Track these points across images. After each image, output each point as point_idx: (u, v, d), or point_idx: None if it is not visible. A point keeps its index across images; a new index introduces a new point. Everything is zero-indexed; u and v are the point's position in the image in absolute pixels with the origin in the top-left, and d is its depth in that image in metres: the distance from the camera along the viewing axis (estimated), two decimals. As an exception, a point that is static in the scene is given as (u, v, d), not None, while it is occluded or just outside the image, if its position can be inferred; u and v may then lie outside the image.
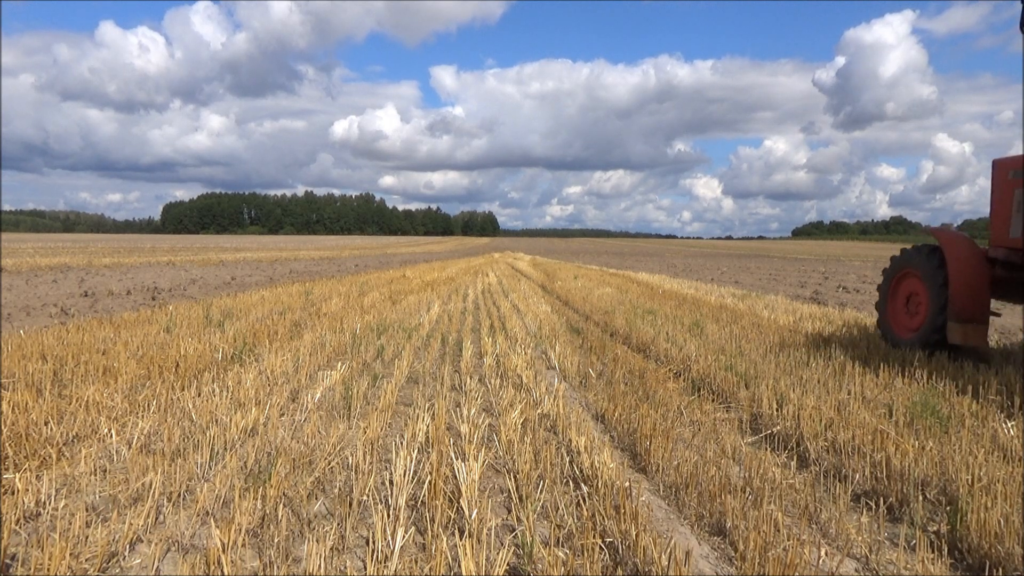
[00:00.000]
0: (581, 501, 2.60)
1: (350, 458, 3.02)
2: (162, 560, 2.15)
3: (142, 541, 2.26)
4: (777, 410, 3.80)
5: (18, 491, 2.47)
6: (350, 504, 2.51)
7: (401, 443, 3.17)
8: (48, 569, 1.98)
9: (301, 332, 6.57)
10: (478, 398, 4.18)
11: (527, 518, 2.32)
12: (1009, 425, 3.44)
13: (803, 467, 3.18)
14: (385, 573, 2.07)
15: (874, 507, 2.66)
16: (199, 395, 3.92)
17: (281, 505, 2.48)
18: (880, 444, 3.11)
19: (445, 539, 2.24)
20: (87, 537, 2.20)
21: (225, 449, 3.11)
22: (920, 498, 2.65)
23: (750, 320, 8.06)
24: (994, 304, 5.63)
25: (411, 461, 2.79)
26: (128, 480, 2.68)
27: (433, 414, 3.72)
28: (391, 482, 2.69)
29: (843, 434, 3.28)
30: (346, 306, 8.90)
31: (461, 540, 2.24)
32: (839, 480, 2.94)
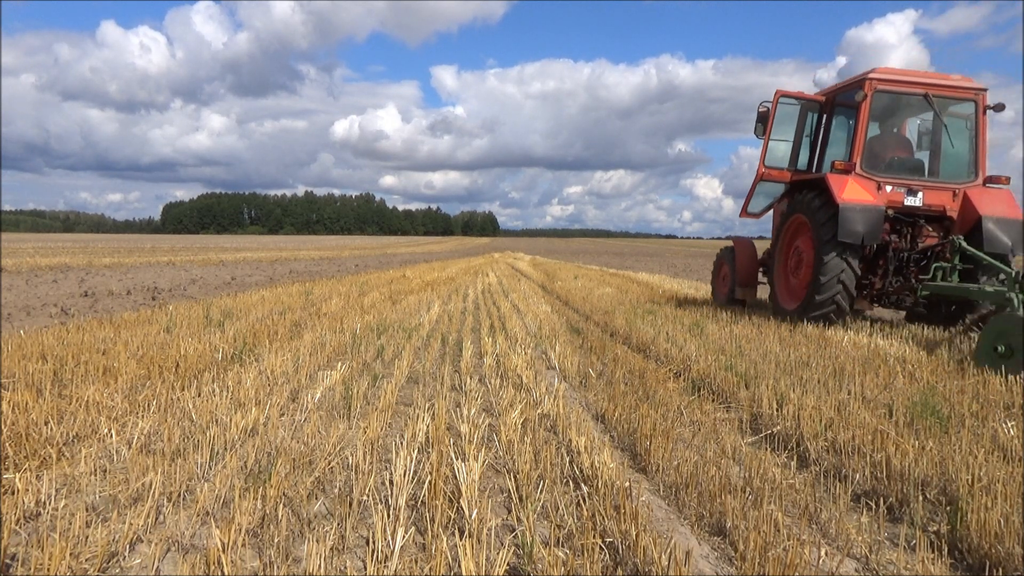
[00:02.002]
0: (581, 501, 2.60)
1: (350, 458, 3.02)
2: (162, 560, 2.15)
3: (142, 541, 2.26)
4: (777, 410, 3.80)
5: (18, 491, 2.47)
6: (350, 504, 2.51)
7: (401, 443, 3.17)
8: (48, 569, 1.98)
9: (301, 332, 6.57)
10: (478, 398, 4.18)
11: (527, 518, 2.32)
12: (1009, 425, 3.44)
13: (803, 467, 3.18)
14: (385, 573, 2.07)
15: (874, 507, 2.66)
16: (199, 395, 3.92)
17: (281, 505, 2.48)
18: (880, 444, 3.11)
19: (445, 539, 2.24)
20: (87, 537, 2.20)
21: (225, 449, 3.11)
22: (920, 498, 2.65)
23: (750, 320, 8.06)
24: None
25: (411, 461, 2.79)
26: (128, 480, 2.68)
27: (433, 414, 3.72)
28: (391, 482, 2.69)
29: (843, 434, 3.28)
30: (346, 306, 8.90)
31: (461, 540, 2.24)
32: (839, 480, 2.94)
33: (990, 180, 7.66)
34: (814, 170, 8.68)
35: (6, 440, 2.93)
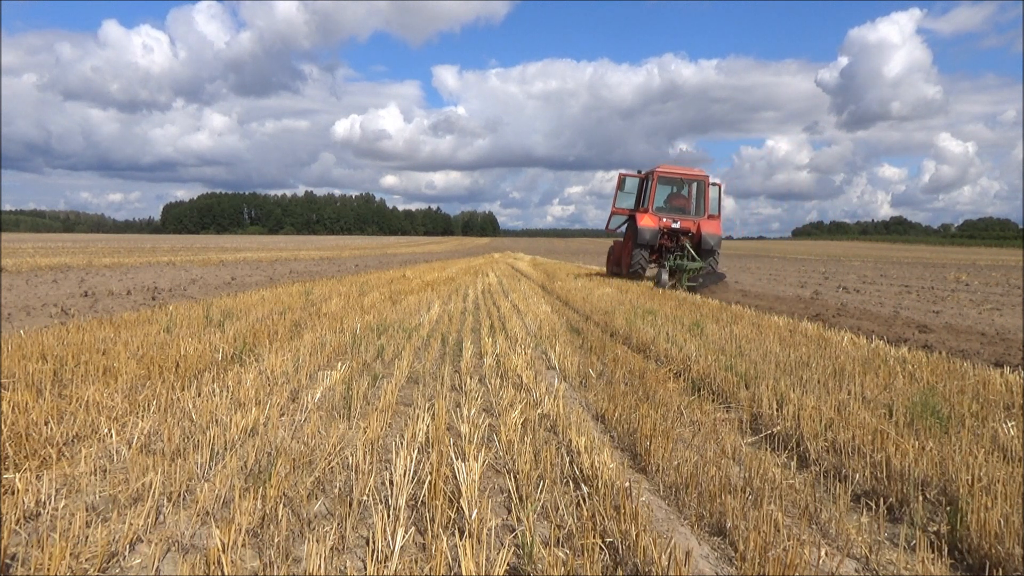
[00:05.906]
0: (581, 501, 2.60)
1: (350, 458, 3.02)
2: (162, 560, 2.15)
3: (142, 541, 2.26)
4: (777, 410, 3.80)
5: (18, 491, 2.47)
6: (350, 504, 2.51)
7: (401, 443, 3.16)
8: (48, 569, 1.98)
9: (301, 332, 6.57)
10: (478, 398, 4.18)
11: (527, 518, 2.32)
12: (1009, 425, 3.44)
13: (803, 467, 3.18)
14: (385, 573, 2.07)
15: (874, 507, 2.66)
16: (199, 395, 3.92)
17: (281, 505, 2.48)
18: (880, 444, 3.11)
19: (445, 539, 2.24)
20: (87, 537, 2.20)
21: (225, 449, 3.11)
22: (920, 498, 2.65)
23: (750, 320, 8.06)
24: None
25: (411, 461, 2.79)
26: (128, 480, 2.68)
27: (433, 414, 3.72)
28: (391, 482, 2.69)
29: (843, 434, 3.28)
30: (346, 306, 8.90)
31: (461, 540, 2.24)
32: (839, 480, 2.94)
33: (711, 216, 16.28)
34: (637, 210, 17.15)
35: (6, 440, 2.93)
